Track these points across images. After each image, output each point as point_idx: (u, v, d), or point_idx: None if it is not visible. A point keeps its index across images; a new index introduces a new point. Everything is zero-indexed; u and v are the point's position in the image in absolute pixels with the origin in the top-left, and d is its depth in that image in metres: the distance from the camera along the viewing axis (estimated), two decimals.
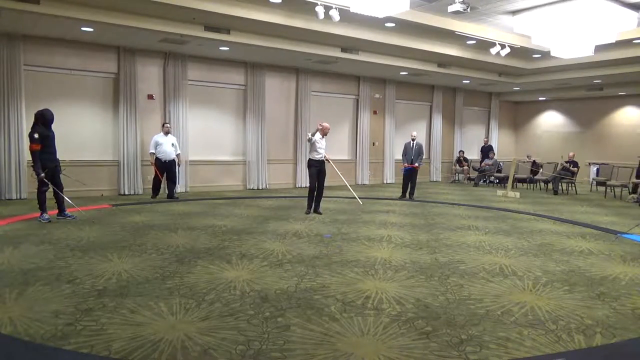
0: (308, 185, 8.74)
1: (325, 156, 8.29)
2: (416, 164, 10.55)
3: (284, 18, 8.53)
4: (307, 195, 8.53)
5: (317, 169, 8.16)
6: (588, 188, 13.95)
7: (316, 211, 8.32)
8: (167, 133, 9.79)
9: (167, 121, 10.35)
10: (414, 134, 10.99)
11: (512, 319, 3.59)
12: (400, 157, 14.63)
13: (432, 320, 3.53)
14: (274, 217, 7.90)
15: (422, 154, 10.82)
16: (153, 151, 9.70)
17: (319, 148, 8.11)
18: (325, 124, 8.32)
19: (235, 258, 5.18)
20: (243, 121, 11.93)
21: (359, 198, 9.66)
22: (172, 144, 9.79)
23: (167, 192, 9.85)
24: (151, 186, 9.96)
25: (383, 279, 4.53)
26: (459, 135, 16.66)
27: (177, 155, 9.90)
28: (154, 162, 9.69)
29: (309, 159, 8.33)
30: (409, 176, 10.72)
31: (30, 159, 7.04)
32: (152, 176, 9.95)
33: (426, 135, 15.84)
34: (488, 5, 8.25)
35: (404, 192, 10.82)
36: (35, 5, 7.33)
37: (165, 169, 9.76)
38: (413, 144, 10.61)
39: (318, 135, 8.14)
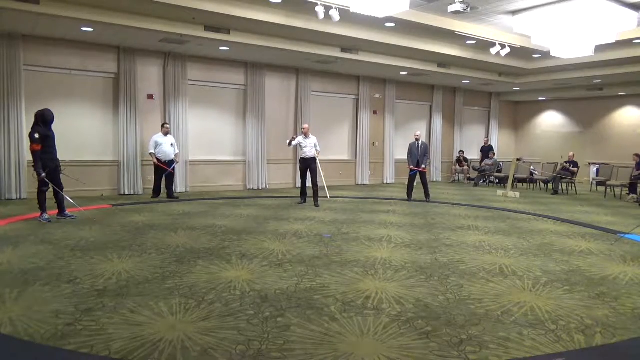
0: None
1: (315, 154, 9.26)
2: (422, 166, 10.26)
3: (284, 18, 8.52)
4: (308, 195, 9.52)
5: (303, 166, 9.30)
6: (588, 188, 13.95)
7: (315, 204, 9.19)
8: (166, 133, 9.78)
9: (166, 121, 10.35)
10: (418, 133, 10.69)
11: (512, 319, 3.59)
12: (401, 157, 14.83)
13: (432, 320, 3.53)
14: (274, 217, 7.91)
15: (428, 153, 10.53)
16: (153, 151, 9.68)
17: (304, 147, 9.23)
18: (303, 125, 9.74)
19: (235, 258, 5.18)
20: (243, 121, 11.93)
21: (328, 191, 10.61)
22: (172, 144, 9.80)
23: (167, 192, 9.83)
24: (152, 187, 9.92)
25: (383, 279, 4.53)
26: (459, 135, 16.66)
27: (176, 155, 9.93)
28: (155, 161, 9.64)
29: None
30: (415, 178, 10.43)
31: (31, 159, 7.03)
32: (153, 177, 9.93)
33: (426, 135, 15.83)
34: (488, 5, 8.24)
35: (409, 194, 10.56)
36: (35, 5, 7.33)
37: (165, 169, 9.73)
38: (418, 143, 10.36)
39: (301, 137, 9.29)
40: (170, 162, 9.76)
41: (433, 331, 3.33)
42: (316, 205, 9.13)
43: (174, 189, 10.05)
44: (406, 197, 10.60)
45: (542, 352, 3.07)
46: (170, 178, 9.87)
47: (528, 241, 6.42)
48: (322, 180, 10.31)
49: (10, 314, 3.47)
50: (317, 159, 9.38)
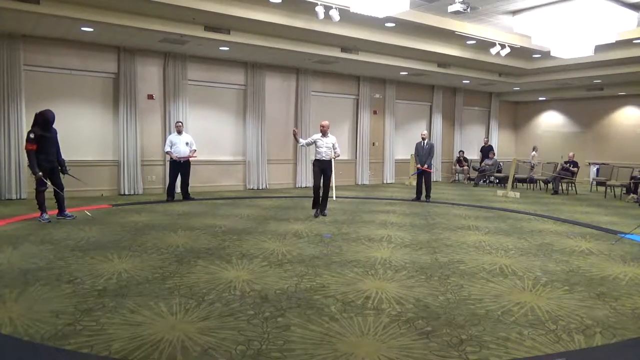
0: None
1: (332, 156, 8.05)
2: (425, 166, 10.19)
3: (284, 18, 8.52)
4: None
5: (318, 168, 7.98)
6: (588, 188, 13.95)
7: (322, 213, 8.08)
8: (180, 132, 9.54)
9: (179, 119, 10.17)
10: (424, 132, 10.71)
11: (512, 319, 3.59)
12: (401, 157, 14.86)
13: (432, 320, 3.53)
14: (274, 217, 7.90)
15: (432, 154, 10.39)
16: (168, 150, 9.44)
17: (319, 147, 7.98)
18: (322, 122, 8.18)
19: (235, 258, 5.18)
20: (243, 121, 11.93)
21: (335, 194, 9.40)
22: (187, 143, 9.53)
23: (182, 193, 9.70)
24: (166, 189, 9.82)
25: (383, 279, 4.53)
26: (459, 135, 16.66)
27: (193, 152, 9.60)
28: (175, 157, 9.37)
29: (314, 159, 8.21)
30: (422, 178, 10.41)
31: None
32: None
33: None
34: (488, 5, 8.25)
35: (417, 194, 10.51)
36: (35, 5, 7.33)
37: (180, 169, 9.53)
38: (423, 143, 10.32)
39: (317, 135, 8.08)
40: (186, 162, 9.53)
41: (433, 331, 3.33)
42: (323, 214, 8.09)
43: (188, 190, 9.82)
44: (414, 197, 10.54)
45: (542, 352, 3.07)
46: (186, 178, 9.67)
47: (528, 241, 6.42)
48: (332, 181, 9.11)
49: (10, 314, 3.47)
50: (333, 162, 8.17)
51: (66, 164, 7.30)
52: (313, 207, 8.17)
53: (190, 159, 9.63)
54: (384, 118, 14.55)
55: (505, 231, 7.09)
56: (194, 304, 3.74)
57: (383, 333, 3.29)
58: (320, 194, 8.01)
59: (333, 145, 8.03)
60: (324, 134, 8.03)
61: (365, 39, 9.65)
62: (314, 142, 8.06)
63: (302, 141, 8.33)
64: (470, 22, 9.28)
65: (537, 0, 7.85)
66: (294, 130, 8.30)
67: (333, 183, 8.37)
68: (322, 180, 7.98)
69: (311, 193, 8.35)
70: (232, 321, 3.42)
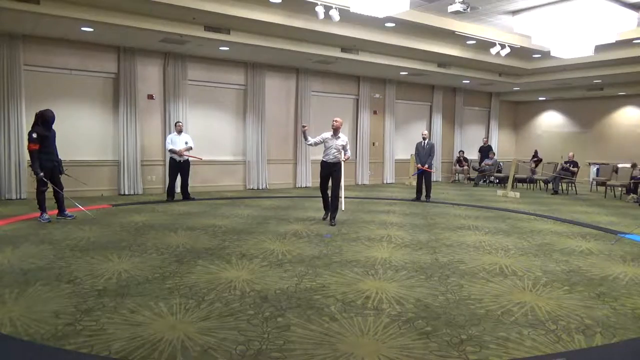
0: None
1: (342, 159, 7.27)
2: (426, 166, 10.18)
3: (284, 18, 8.53)
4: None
5: (324, 172, 7.38)
6: (588, 188, 13.95)
7: (330, 222, 7.29)
8: (180, 132, 9.57)
9: (179, 119, 10.20)
10: (425, 132, 10.71)
11: (512, 319, 3.59)
12: (401, 157, 14.86)
13: (432, 320, 3.53)
14: (274, 217, 7.90)
15: (433, 154, 10.33)
16: (171, 147, 9.46)
17: (328, 148, 7.28)
18: (335, 118, 7.40)
19: (235, 258, 5.18)
20: (243, 121, 11.93)
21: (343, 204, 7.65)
22: (186, 143, 9.56)
23: (182, 193, 9.73)
24: (166, 189, 9.86)
25: (383, 279, 4.53)
26: (459, 135, 16.66)
27: (188, 148, 9.53)
28: (181, 151, 9.41)
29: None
30: (422, 178, 10.41)
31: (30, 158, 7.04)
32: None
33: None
34: (488, 5, 8.25)
35: (417, 194, 10.51)
36: (35, 5, 7.34)
37: (180, 170, 9.56)
38: (424, 143, 10.32)
39: (327, 134, 7.34)
40: (186, 162, 9.57)
41: (433, 331, 3.33)
42: (332, 223, 7.23)
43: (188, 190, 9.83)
44: (414, 197, 10.54)
45: (542, 352, 3.07)
46: (186, 178, 9.69)
47: (528, 241, 6.42)
48: (342, 189, 7.53)
49: (10, 314, 3.47)
50: (342, 165, 7.33)
51: (63, 164, 7.30)
52: (325, 212, 7.66)
53: (190, 157, 9.65)
54: (384, 118, 14.55)
55: (505, 231, 7.09)
56: (194, 304, 3.74)
57: (383, 333, 3.29)
58: (329, 194, 7.39)
59: (343, 147, 7.25)
60: (335, 132, 7.25)
61: (365, 39, 9.65)
62: (323, 142, 7.33)
63: (311, 139, 7.43)
64: (470, 22, 9.29)
65: (537, 0, 7.85)
66: (303, 127, 7.49)
67: (342, 192, 7.42)
68: (330, 184, 7.39)
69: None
70: (232, 321, 3.42)
